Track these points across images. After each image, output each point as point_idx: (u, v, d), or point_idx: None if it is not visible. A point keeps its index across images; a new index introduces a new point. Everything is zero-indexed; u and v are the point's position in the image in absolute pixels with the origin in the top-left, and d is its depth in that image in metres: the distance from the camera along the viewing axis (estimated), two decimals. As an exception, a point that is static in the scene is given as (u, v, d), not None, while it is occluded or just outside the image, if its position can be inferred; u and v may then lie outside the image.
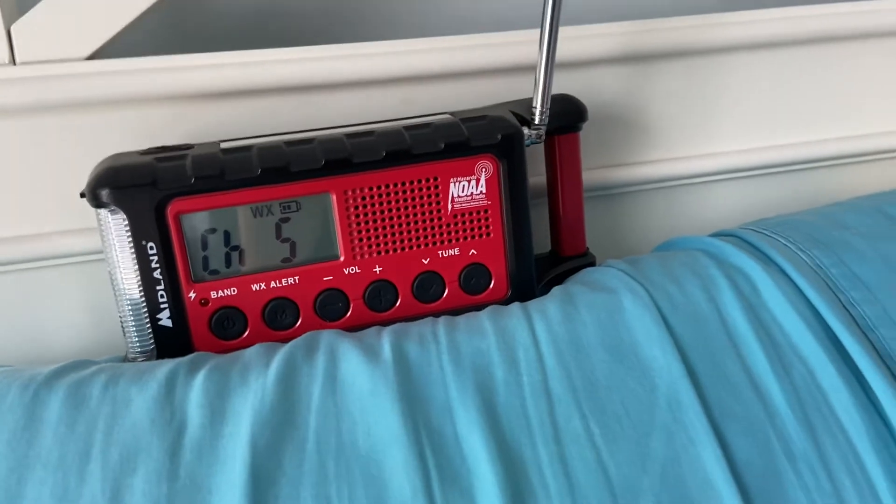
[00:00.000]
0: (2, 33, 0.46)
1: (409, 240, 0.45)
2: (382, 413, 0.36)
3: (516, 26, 0.53)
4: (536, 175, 0.53)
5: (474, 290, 0.47)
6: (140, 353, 0.42)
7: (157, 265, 0.41)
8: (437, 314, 0.45)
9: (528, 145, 0.47)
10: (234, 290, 0.43)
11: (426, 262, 0.46)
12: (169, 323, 0.42)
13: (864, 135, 0.62)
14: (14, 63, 0.46)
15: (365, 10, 0.61)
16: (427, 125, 0.45)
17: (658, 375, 0.39)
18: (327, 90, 0.51)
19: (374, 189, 0.44)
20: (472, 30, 0.54)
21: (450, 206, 0.45)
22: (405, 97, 0.53)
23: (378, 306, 0.45)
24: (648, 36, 0.55)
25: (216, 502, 0.33)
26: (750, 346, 0.41)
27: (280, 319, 0.44)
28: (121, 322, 0.42)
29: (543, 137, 0.48)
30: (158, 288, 0.41)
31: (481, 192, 0.46)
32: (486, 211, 0.46)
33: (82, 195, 0.41)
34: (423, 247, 0.45)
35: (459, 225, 0.46)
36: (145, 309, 0.42)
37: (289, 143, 0.43)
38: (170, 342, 0.42)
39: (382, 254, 0.45)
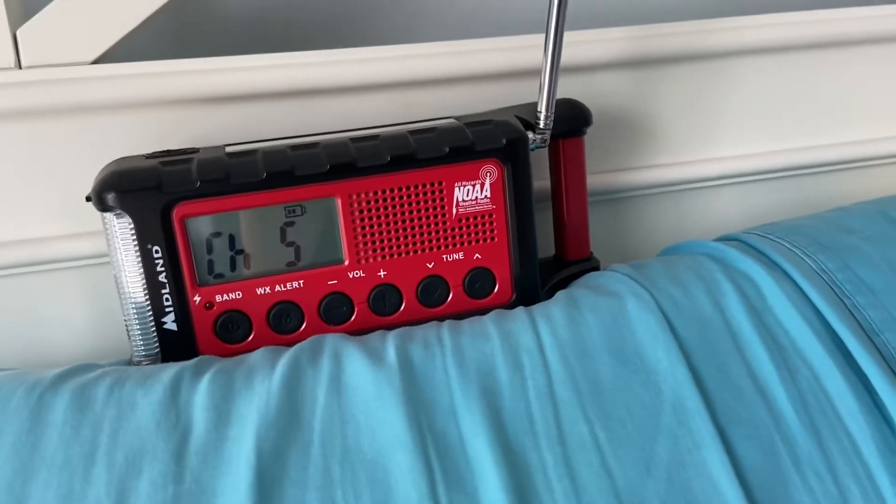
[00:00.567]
0: (8, 37, 0.46)
1: (414, 244, 0.45)
2: (387, 417, 0.36)
3: (520, 31, 0.53)
4: (540, 179, 0.53)
5: (478, 295, 0.47)
6: (145, 356, 0.42)
7: (163, 269, 0.41)
8: (441, 318, 0.45)
9: (532, 150, 0.47)
10: (238, 294, 0.43)
11: (430, 267, 0.46)
12: (174, 326, 0.42)
13: (869, 139, 0.62)
14: (20, 67, 0.46)
15: (370, 14, 0.61)
16: (432, 129, 0.45)
17: (663, 380, 0.39)
18: (332, 94, 0.51)
19: (379, 193, 0.44)
20: (476, 34, 0.54)
21: (454, 211, 0.45)
22: (409, 101, 0.53)
23: (382, 310, 0.45)
24: (653, 41, 0.55)
25: (221, 505, 0.33)
26: (755, 350, 0.41)
27: (284, 323, 0.44)
28: (126, 326, 0.42)
29: (548, 142, 0.48)
30: (163, 291, 0.41)
31: (486, 196, 0.46)
32: (490, 215, 0.46)
33: (88, 199, 0.41)
34: (427, 251, 0.45)
35: (464, 229, 0.46)
36: (150, 312, 0.42)
37: (294, 147, 0.43)
38: (174, 346, 0.42)
39: (387, 258, 0.45)
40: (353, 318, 0.45)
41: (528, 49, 0.52)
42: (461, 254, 0.46)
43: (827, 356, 0.41)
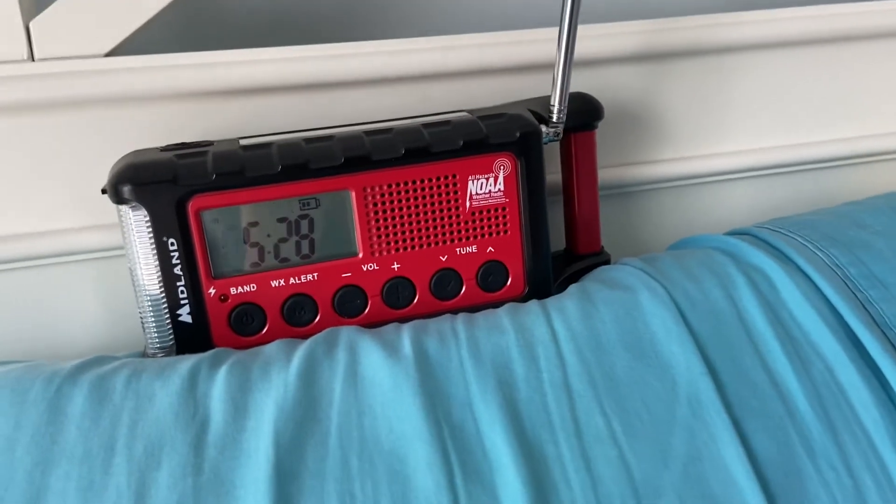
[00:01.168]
0: (21, 30, 0.46)
1: (428, 237, 0.45)
2: (404, 409, 0.36)
3: (533, 24, 0.53)
4: (552, 173, 0.53)
5: (491, 288, 0.47)
6: (160, 348, 0.42)
7: (178, 261, 0.41)
8: (454, 311, 0.45)
9: (546, 143, 0.47)
10: (253, 287, 0.43)
11: (444, 260, 0.46)
12: (189, 319, 0.42)
13: (878, 134, 0.62)
14: (33, 59, 0.46)
15: (379, 8, 0.61)
16: (446, 123, 0.45)
17: (678, 372, 0.39)
18: (346, 87, 0.51)
19: (393, 186, 0.44)
20: (490, 28, 0.54)
21: (468, 204, 0.45)
22: (423, 95, 0.53)
23: (396, 303, 0.45)
24: (664, 35, 0.55)
25: (241, 496, 0.33)
26: (769, 343, 0.41)
27: (299, 316, 0.44)
28: (140, 318, 0.42)
29: (561, 135, 0.48)
30: (179, 284, 0.42)
31: (499, 189, 0.46)
32: (503, 209, 0.46)
33: (104, 191, 0.41)
34: (441, 244, 0.45)
35: (477, 222, 0.46)
36: (165, 305, 0.42)
37: (308, 140, 0.43)
38: (189, 338, 0.42)
39: (401, 251, 0.45)
40: (366, 310, 0.45)
41: (541, 42, 0.52)
42: (474, 247, 0.46)
43: (840, 349, 0.41)
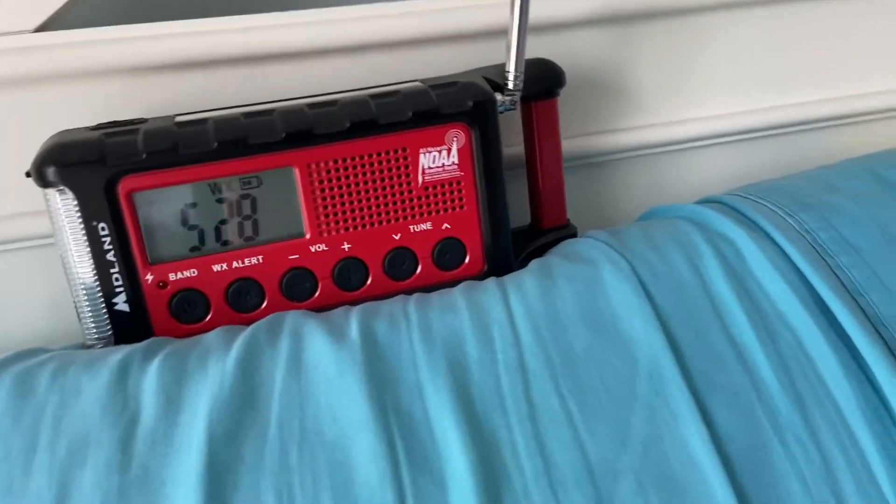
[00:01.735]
0: (-59, 6, 0.43)
1: (379, 215, 0.43)
2: (349, 397, 0.34)
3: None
4: (514, 145, 0.51)
5: (448, 266, 0.45)
6: (97, 339, 0.40)
7: (111, 247, 0.39)
8: (410, 292, 0.43)
9: (502, 112, 0.45)
10: (194, 272, 0.41)
11: (397, 238, 0.44)
12: (126, 307, 0.40)
13: (852, 95, 0.59)
14: (-44, 38, 0.44)
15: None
16: (394, 93, 0.43)
17: (639, 348, 0.37)
18: (293, 59, 0.49)
19: (340, 162, 0.42)
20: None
21: (420, 179, 0.43)
22: (375, 66, 0.51)
23: (348, 285, 0.43)
24: (627, -5, 0.52)
25: (170, 493, 0.31)
26: (735, 314, 0.39)
27: (244, 301, 0.42)
28: (75, 307, 0.40)
29: (518, 103, 0.46)
30: (113, 271, 0.39)
31: (453, 162, 0.43)
32: (458, 182, 0.44)
33: (28, 175, 0.39)
34: (393, 222, 0.43)
35: (431, 198, 0.44)
36: (100, 293, 0.40)
37: (247, 114, 0.41)
38: (128, 327, 0.40)
39: (351, 230, 0.43)
40: (317, 293, 0.43)
41: (499, 6, 0.50)
42: (429, 224, 0.44)
43: (809, 319, 0.39)
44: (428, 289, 0.44)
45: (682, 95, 0.57)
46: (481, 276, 0.45)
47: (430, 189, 0.43)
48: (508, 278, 0.42)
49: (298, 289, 0.42)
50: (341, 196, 0.42)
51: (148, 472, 0.31)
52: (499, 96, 0.45)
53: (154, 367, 0.35)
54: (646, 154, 0.57)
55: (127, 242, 0.39)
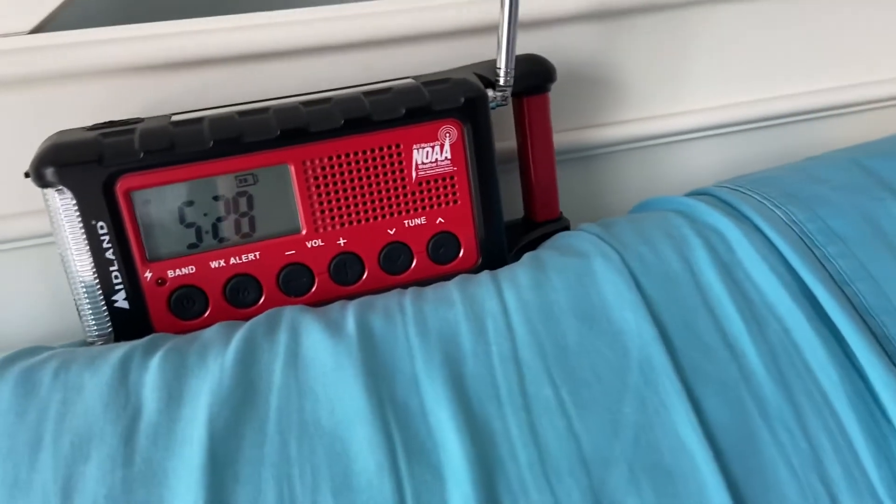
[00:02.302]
0: (-64, 8, 0.43)
1: (374, 210, 0.44)
2: (346, 389, 0.35)
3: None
4: (507, 140, 0.51)
5: (443, 260, 0.45)
6: (98, 336, 0.41)
7: (109, 245, 0.40)
8: (405, 286, 0.44)
9: (493, 108, 0.45)
10: (192, 269, 0.41)
11: (392, 233, 0.44)
12: (125, 304, 0.41)
13: (839, 87, 0.60)
14: (-48, 39, 0.44)
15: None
16: (387, 90, 0.44)
17: (630, 339, 0.38)
18: (287, 58, 0.49)
19: (334, 159, 0.42)
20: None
21: (414, 174, 0.44)
22: (368, 63, 0.51)
23: (344, 280, 0.44)
24: (618, -10, 0.53)
25: (173, 486, 0.32)
26: (724, 305, 0.40)
27: (242, 297, 0.42)
28: (76, 305, 0.41)
29: (509, 99, 0.46)
30: (112, 269, 0.40)
31: (446, 157, 0.44)
32: (451, 177, 0.44)
33: (27, 175, 0.39)
34: (388, 217, 0.44)
35: (425, 193, 0.44)
36: (100, 291, 0.40)
37: (242, 113, 0.42)
38: (128, 324, 0.41)
39: (346, 225, 0.43)
40: (313, 288, 0.43)
41: (490, 2, 0.50)
42: (423, 218, 0.45)
43: (797, 308, 0.40)
44: (423, 282, 0.44)
45: (671, 89, 0.57)
46: (475, 270, 0.46)
47: (424, 184, 0.44)
48: (502, 271, 0.43)
49: (295, 284, 0.43)
50: (336, 192, 0.43)
51: (151, 465, 0.32)
52: (490, 92, 0.45)
53: (155, 362, 0.36)
54: (637, 147, 0.58)
55: (125, 241, 0.40)
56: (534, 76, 0.49)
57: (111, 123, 0.42)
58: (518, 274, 0.42)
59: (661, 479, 0.34)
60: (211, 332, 0.38)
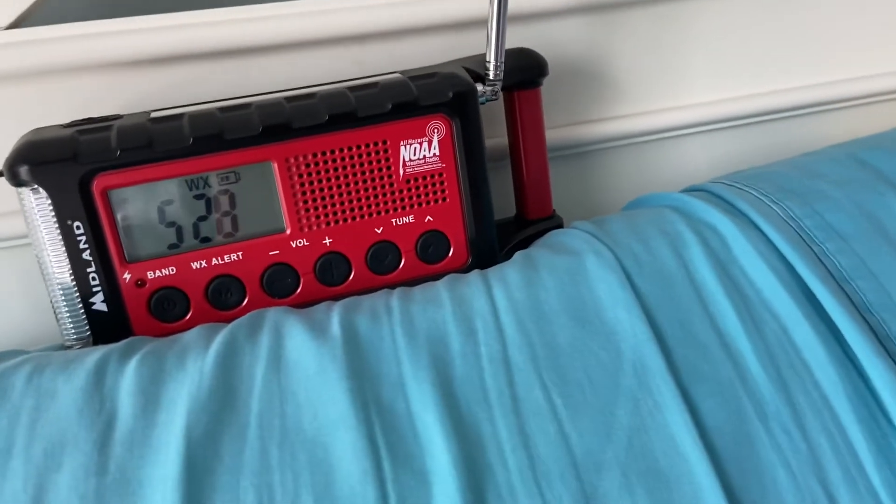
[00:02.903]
0: None
1: (360, 208, 0.42)
2: (329, 393, 0.34)
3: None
4: (498, 136, 0.50)
5: (432, 259, 0.44)
6: (76, 339, 0.40)
7: (86, 246, 0.38)
8: (393, 286, 0.43)
9: (483, 103, 0.44)
10: (172, 270, 0.40)
11: (379, 232, 0.43)
12: (104, 307, 0.39)
13: (837, 81, 0.59)
14: (-74, 35, 0.43)
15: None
16: (373, 85, 0.42)
17: (623, 339, 0.37)
18: (270, 53, 0.48)
19: (319, 156, 0.41)
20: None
21: (401, 171, 0.43)
22: (357, 58, 0.50)
23: (330, 280, 0.43)
24: (610, -17, 0.52)
25: (148, 496, 0.30)
26: (720, 303, 0.39)
27: (225, 298, 0.41)
28: (53, 308, 0.40)
29: (499, 93, 0.45)
30: (89, 270, 0.39)
31: (434, 154, 0.43)
32: (440, 174, 0.43)
33: (0, 174, 0.38)
34: (375, 215, 0.43)
35: (413, 190, 0.43)
36: (77, 293, 0.39)
37: (223, 109, 0.40)
38: (106, 327, 0.40)
39: (332, 224, 0.42)
40: (299, 289, 0.42)
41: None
42: (411, 217, 0.43)
43: (795, 306, 0.39)
44: (411, 282, 0.43)
45: (666, 84, 0.56)
46: (466, 269, 0.45)
47: (412, 182, 0.43)
48: (492, 271, 0.42)
49: (280, 285, 0.42)
50: (321, 190, 0.41)
51: (125, 474, 0.31)
52: (480, 87, 0.44)
53: (131, 366, 0.34)
54: (631, 143, 0.57)
55: (103, 241, 0.39)
56: (525, 70, 0.47)
57: (89, 121, 0.41)
58: (508, 273, 0.40)
59: (656, 484, 0.33)
60: (191, 335, 0.37)
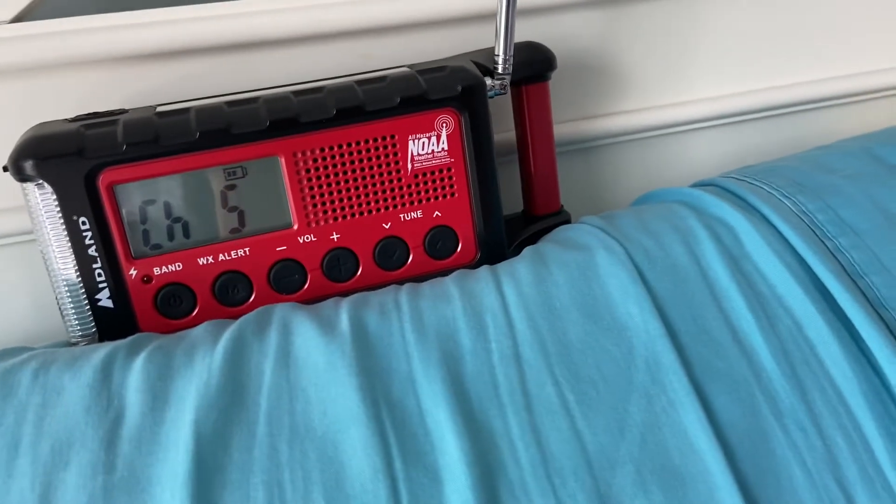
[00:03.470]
0: (-87, -3, 0.42)
1: (368, 203, 0.42)
2: (339, 389, 0.34)
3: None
4: (506, 130, 0.50)
5: (440, 255, 0.44)
6: (81, 336, 0.39)
7: (92, 241, 0.38)
8: (401, 282, 0.42)
9: (491, 97, 0.44)
10: (179, 266, 0.40)
11: (387, 227, 0.43)
12: (109, 303, 0.39)
13: (847, 75, 0.59)
14: (-71, 30, 0.42)
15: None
16: (381, 79, 0.42)
17: (635, 335, 0.36)
18: (277, 47, 0.48)
19: (327, 150, 0.41)
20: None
21: (410, 166, 0.42)
22: (365, 52, 0.50)
23: (338, 276, 0.42)
24: (619, -24, 0.51)
25: (157, 494, 0.30)
26: (733, 299, 0.38)
27: (232, 294, 0.41)
28: (58, 305, 0.39)
29: (508, 87, 0.45)
30: (95, 266, 0.38)
31: (443, 149, 0.42)
32: (449, 169, 0.43)
33: (5, 169, 0.38)
34: (383, 210, 0.42)
35: (421, 185, 0.43)
36: (82, 289, 0.39)
37: (230, 103, 0.40)
38: (112, 324, 0.39)
39: (339, 220, 0.42)
40: (306, 285, 0.42)
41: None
42: (419, 212, 0.43)
43: (809, 302, 0.38)
44: (420, 278, 0.43)
45: (675, 78, 0.56)
46: (474, 265, 0.44)
47: (420, 176, 0.43)
48: (501, 266, 0.41)
49: (287, 281, 0.41)
50: (329, 185, 0.41)
51: (133, 471, 0.31)
52: (488, 80, 0.44)
53: (139, 363, 0.34)
54: (640, 138, 0.56)
55: (109, 237, 0.38)
56: (533, 64, 0.47)
57: (94, 115, 0.40)
58: (518, 268, 0.40)
59: (670, 481, 0.33)
60: (199, 332, 0.37)
